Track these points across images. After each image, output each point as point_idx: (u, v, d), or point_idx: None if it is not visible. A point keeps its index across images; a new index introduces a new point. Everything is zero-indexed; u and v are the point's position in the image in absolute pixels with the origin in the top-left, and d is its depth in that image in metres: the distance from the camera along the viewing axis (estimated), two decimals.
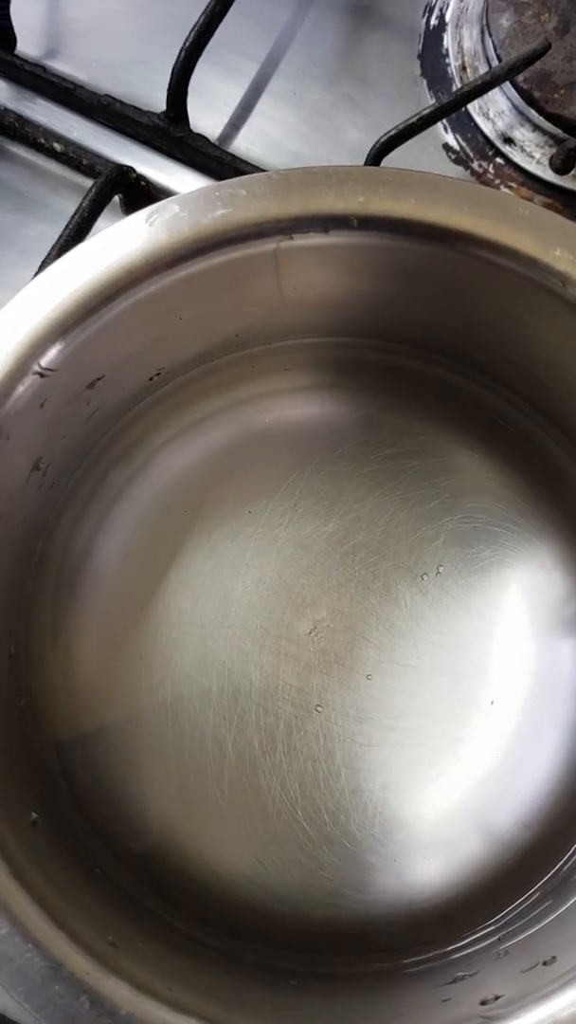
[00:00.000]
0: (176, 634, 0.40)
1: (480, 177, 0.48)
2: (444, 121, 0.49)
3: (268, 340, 0.39)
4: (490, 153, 0.49)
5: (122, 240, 0.30)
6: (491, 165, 0.49)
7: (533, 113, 0.47)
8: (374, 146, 0.44)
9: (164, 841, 0.37)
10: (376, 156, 0.44)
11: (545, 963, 0.30)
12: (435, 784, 0.39)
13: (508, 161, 0.48)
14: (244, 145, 0.48)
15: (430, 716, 0.39)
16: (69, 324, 0.30)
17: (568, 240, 0.30)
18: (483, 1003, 0.29)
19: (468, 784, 0.38)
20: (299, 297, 0.35)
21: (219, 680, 0.39)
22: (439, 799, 0.38)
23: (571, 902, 0.33)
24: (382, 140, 0.44)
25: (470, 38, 0.49)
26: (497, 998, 0.29)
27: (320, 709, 0.39)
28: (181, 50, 0.44)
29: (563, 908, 0.33)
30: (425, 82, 0.50)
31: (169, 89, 0.44)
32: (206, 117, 0.48)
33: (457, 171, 0.49)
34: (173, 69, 0.44)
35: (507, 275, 0.32)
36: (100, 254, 0.30)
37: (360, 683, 0.39)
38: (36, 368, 0.30)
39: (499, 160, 0.49)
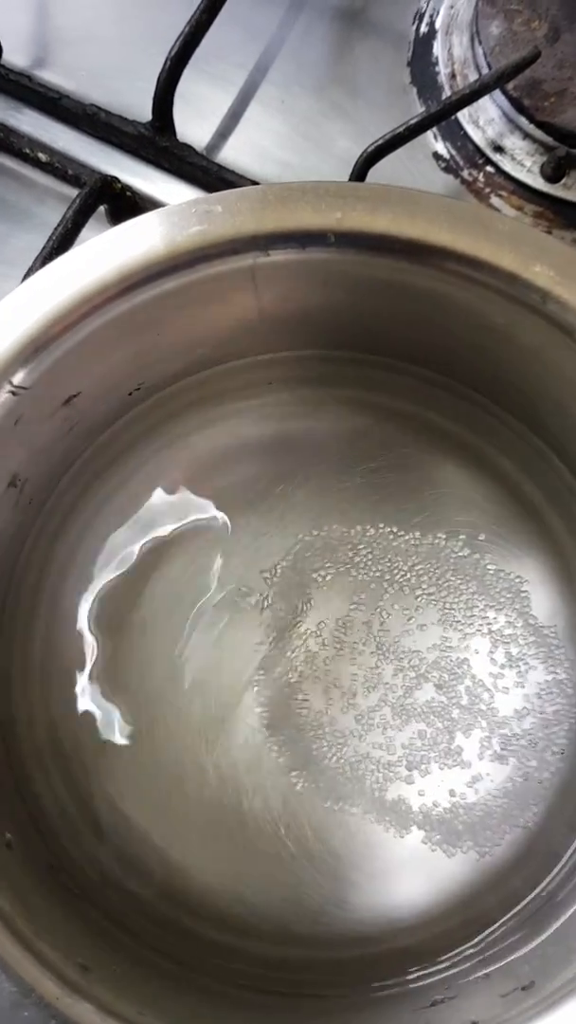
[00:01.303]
0: (159, 649, 0.39)
1: (470, 186, 0.48)
2: (434, 129, 0.48)
3: (249, 354, 0.38)
4: (480, 162, 0.48)
5: (97, 257, 0.30)
6: (481, 174, 0.48)
7: (523, 121, 0.46)
8: (361, 156, 0.43)
9: (143, 861, 0.37)
10: (364, 166, 0.44)
11: (524, 988, 0.29)
12: (419, 801, 0.38)
13: (498, 170, 0.48)
14: (232, 154, 0.48)
15: (418, 735, 0.39)
16: (41, 342, 0.30)
17: (548, 256, 0.30)
18: None
19: (452, 804, 0.38)
20: (279, 312, 0.35)
21: (203, 700, 0.39)
22: (422, 818, 0.38)
23: (553, 927, 0.32)
24: (369, 150, 0.43)
25: (460, 45, 0.49)
26: (474, 1023, 0.28)
27: (306, 726, 0.39)
28: (167, 59, 0.43)
29: (546, 933, 0.32)
30: (415, 90, 0.49)
31: (155, 98, 0.44)
32: (194, 126, 0.48)
33: (447, 180, 0.48)
34: (158, 78, 0.43)
35: (487, 291, 0.31)
36: (74, 271, 0.30)
37: (346, 700, 0.39)
38: (8, 387, 0.30)
39: (489, 168, 0.48)
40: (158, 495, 0.40)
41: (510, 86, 0.46)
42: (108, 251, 0.30)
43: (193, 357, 0.37)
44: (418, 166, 0.48)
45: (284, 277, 0.32)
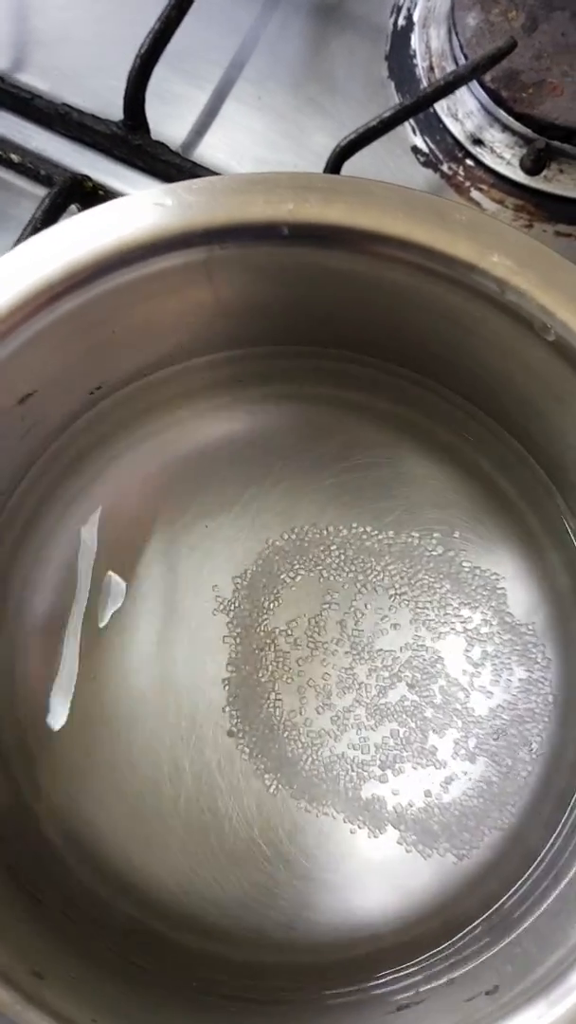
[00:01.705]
0: (132, 651, 0.39)
1: (450, 180, 0.47)
2: (412, 123, 0.48)
3: (212, 351, 0.38)
4: (460, 155, 0.48)
5: (43, 253, 0.29)
6: (461, 167, 0.47)
7: (502, 113, 0.46)
8: (335, 150, 0.43)
9: (112, 863, 0.36)
10: (337, 160, 0.43)
11: (488, 992, 0.29)
12: (394, 800, 0.38)
13: (478, 163, 0.47)
14: (208, 152, 0.48)
15: (391, 734, 0.38)
16: None
17: (505, 245, 0.29)
18: None
19: (426, 804, 0.37)
20: (238, 307, 0.34)
21: (176, 697, 0.39)
22: (397, 818, 0.37)
23: (518, 931, 0.31)
24: (343, 144, 0.43)
25: (438, 38, 0.48)
26: None
27: (280, 726, 0.38)
28: (137, 56, 0.43)
29: (513, 935, 0.31)
30: (393, 84, 0.49)
31: (126, 96, 0.44)
32: (169, 124, 0.47)
33: (427, 174, 0.48)
34: (129, 76, 0.43)
35: (445, 282, 0.31)
36: (19, 269, 0.29)
37: (321, 700, 0.39)
38: None
39: (469, 162, 0.47)
40: (126, 496, 0.39)
41: (488, 78, 0.45)
42: (55, 247, 0.30)
43: (153, 355, 0.37)
44: (397, 161, 0.48)
45: (240, 271, 0.32)
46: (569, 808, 0.35)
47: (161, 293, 0.32)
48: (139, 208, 0.30)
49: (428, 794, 0.38)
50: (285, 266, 0.32)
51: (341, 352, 0.38)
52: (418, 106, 0.43)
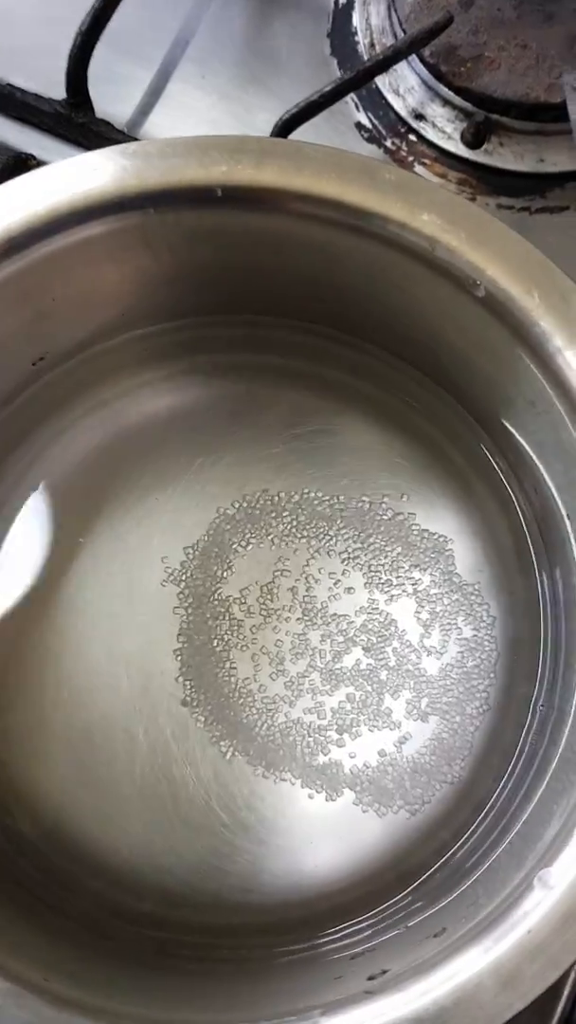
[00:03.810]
0: (83, 626, 0.39)
1: (394, 155, 0.48)
2: (356, 99, 0.49)
3: (156, 321, 0.38)
4: (403, 130, 0.48)
5: None
6: (404, 142, 0.48)
7: (442, 88, 0.46)
8: (276, 125, 0.43)
9: (68, 833, 0.37)
10: (279, 135, 0.43)
11: (436, 935, 0.29)
12: (351, 763, 0.38)
13: (421, 137, 0.48)
14: (153, 131, 0.48)
15: (347, 698, 0.39)
16: None
17: (435, 204, 0.30)
18: (370, 978, 0.28)
19: (380, 763, 0.38)
20: (179, 274, 0.34)
21: (128, 669, 0.39)
22: (352, 779, 0.38)
23: (471, 880, 0.32)
24: (283, 119, 0.43)
25: (378, 15, 0.49)
26: (384, 972, 0.28)
27: (234, 694, 0.39)
28: (77, 34, 0.43)
29: (464, 886, 0.32)
30: (336, 61, 0.49)
31: (67, 74, 0.44)
32: (115, 104, 0.47)
33: (371, 150, 0.48)
34: (70, 54, 0.43)
35: (378, 241, 0.31)
36: None
37: (275, 666, 0.39)
38: None
39: (412, 137, 0.48)
40: (76, 469, 0.40)
41: (427, 52, 0.46)
42: None
43: (96, 324, 0.37)
44: (341, 137, 0.48)
45: (178, 236, 0.32)
46: (514, 758, 0.36)
47: (99, 259, 0.32)
48: (73, 173, 0.30)
49: (383, 754, 0.38)
50: (221, 230, 0.32)
51: (285, 321, 0.39)
52: (358, 80, 0.44)
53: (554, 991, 0.35)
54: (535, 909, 0.27)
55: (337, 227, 0.31)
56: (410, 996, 0.27)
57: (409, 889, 0.35)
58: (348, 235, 0.31)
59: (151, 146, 0.30)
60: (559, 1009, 0.36)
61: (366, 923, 0.34)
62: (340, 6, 0.50)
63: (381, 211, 0.30)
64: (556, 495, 0.34)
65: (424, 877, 0.35)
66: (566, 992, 0.36)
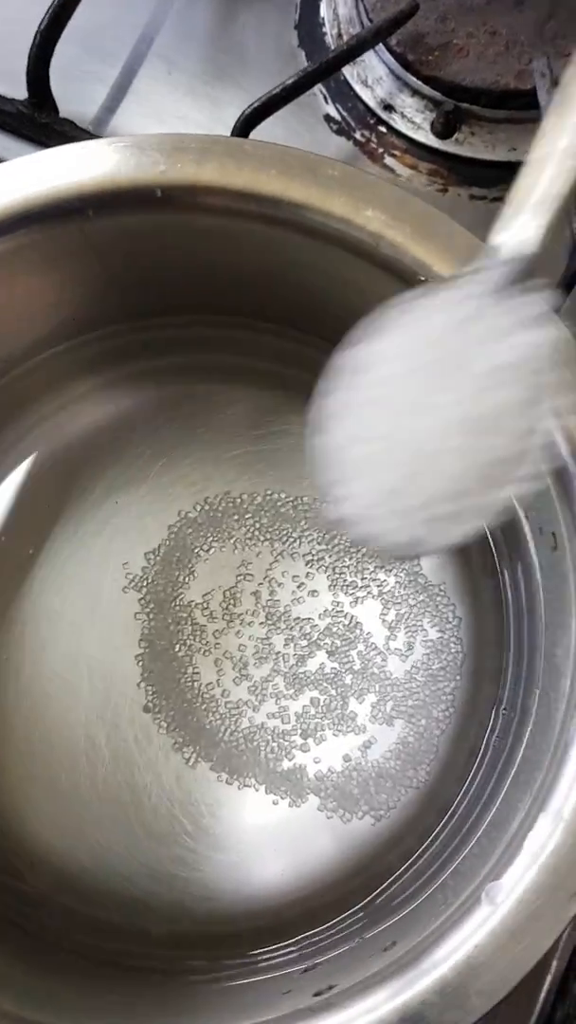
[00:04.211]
0: (44, 632, 0.39)
1: (363, 147, 0.47)
2: (324, 91, 0.48)
3: (109, 323, 0.37)
4: (372, 122, 0.47)
5: None
6: (374, 134, 0.47)
7: (410, 77, 0.45)
8: (239, 118, 0.42)
9: (27, 839, 0.36)
10: (244, 129, 0.43)
11: (385, 949, 0.29)
12: (315, 768, 0.37)
13: (390, 129, 0.47)
14: (120, 128, 0.47)
15: (312, 703, 0.38)
16: None
17: (379, 199, 0.29)
18: (316, 994, 0.28)
19: (345, 768, 0.37)
20: (126, 277, 0.34)
21: (90, 676, 0.39)
22: (317, 785, 0.37)
23: (424, 895, 0.31)
24: (247, 112, 0.43)
25: (345, 5, 0.48)
26: (331, 988, 0.28)
27: (196, 699, 0.38)
28: (37, 33, 0.43)
29: (418, 901, 0.31)
30: (303, 53, 0.48)
31: (28, 73, 0.43)
32: (80, 102, 0.47)
33: (340, 142, 0.47)
34: (30, 53, 0.43)
35: (322, 238, 0.30)
36: None
37: (238, 671, 0.38)
38: None
39: (381, 128, 0.47)
40: (35, 474, 0.39)
41: (394, 42, 0.45)
42: None
43: (49, 327, 0.36)
44: (309, 130, 0.48)
45: (120, 238, 0.32)
46: (478, 760, 0.35)
47: (42, 263, 0.32)
48: (6, 176, 0.29)
49: (347, 759, 0.37)
50: (163, 230, 0.31)
51: (241, 319, 0.38)
52: (322, 71, 0.43)
53: (534, 987, 0.35)
54: (482, 926, 0.26)
55: (281, 225, 0.30)
56: (352, 1014, 0.26)
57: (370, 897, 0.34)
58: (292, 232, 0.30)
59: (89, 148, 0.29)
60: (538, 1007, 0.35)
61: (325, 933, 0.34)
62: None
63: (324, 207, 0.29)
64: None
65: (386, 883, 0.34)
66: (545, 987, 0.35)
